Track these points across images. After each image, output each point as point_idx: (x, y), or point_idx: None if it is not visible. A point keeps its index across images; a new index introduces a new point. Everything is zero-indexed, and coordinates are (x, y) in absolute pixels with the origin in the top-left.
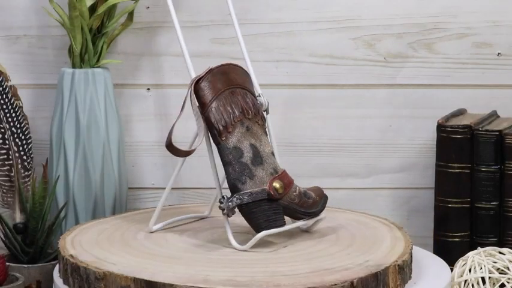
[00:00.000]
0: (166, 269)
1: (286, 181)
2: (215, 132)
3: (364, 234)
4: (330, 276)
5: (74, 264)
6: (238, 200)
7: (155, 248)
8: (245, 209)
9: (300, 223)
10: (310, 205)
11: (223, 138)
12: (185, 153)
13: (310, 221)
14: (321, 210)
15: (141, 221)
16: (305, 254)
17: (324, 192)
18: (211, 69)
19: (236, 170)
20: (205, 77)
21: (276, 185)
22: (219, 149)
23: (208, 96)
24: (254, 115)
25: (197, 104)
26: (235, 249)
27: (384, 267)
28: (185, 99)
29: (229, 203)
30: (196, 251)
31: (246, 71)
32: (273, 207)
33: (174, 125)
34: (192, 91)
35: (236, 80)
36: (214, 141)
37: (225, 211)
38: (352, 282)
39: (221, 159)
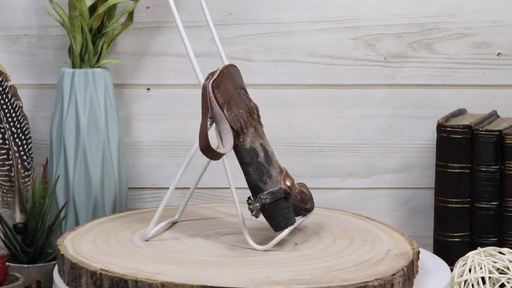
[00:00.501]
0: (220, 274)
1: (292, 179)
2: (233, 134)
3: (351, 227)
4: (378, 267)
5: (117, 278)
6: (263, 200)
7: (175, 255)
8: (268, 209)
9: (301, 219)
10: (307, 201)
11: (241, 140)
12: (220, 156)
13: (306, 217)
14: (313, 206)
15: (139, 222)
16: (324, 249)
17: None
18: (222, 70)
19: (256, 171)
20: (218, 78)
21: (288, 183)
22: (236, 151)
23: (222, 98)
24: (257, 115)
25: (218, 106)
26: (255, 249)
27: (410, 254)
28: (207, 102)
29: (257, 204)
30: (221, 255)
31: (240, 72)
32: (287, 205)
33: (206, 126)
34: (211, 93)
35: (238, 80)
36: None
37: (254, 212)
38: (403, 270)
39: (239, 160)
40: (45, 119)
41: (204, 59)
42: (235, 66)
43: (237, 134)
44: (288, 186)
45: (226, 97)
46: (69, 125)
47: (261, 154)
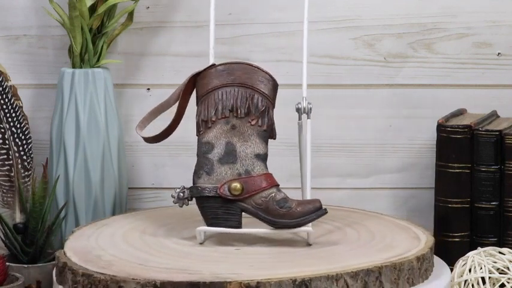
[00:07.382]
0: (288, 268)
1: (251, 184)
2: (197, 126)
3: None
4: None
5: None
6: (181, 194)
7: (220, 254)
8: (197, 202)
9: (262, 231)
10: (281, 215)
11: (201, 132)
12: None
13: (278, 231)
14: (299, 224)
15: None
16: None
17: (322, 208)
18: (212, 64)
19: (198, 164)
20: (204, 72)
21: (235, 185)
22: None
23: (200, 91)
24: (246, 115)
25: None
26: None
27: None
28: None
29: (175, 194)
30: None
31: (261, 72)
32: (226, 206)
33: None
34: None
35: (241, 77)
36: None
37: (174, 200)
38: (431, 248)
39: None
40: (45, 119)
41: (204, 59)
42: (251, 65)
43: (199, 126)
44: (231, 189)
45: (204, 90)
46: (69, 125)
47: (217, 151)
